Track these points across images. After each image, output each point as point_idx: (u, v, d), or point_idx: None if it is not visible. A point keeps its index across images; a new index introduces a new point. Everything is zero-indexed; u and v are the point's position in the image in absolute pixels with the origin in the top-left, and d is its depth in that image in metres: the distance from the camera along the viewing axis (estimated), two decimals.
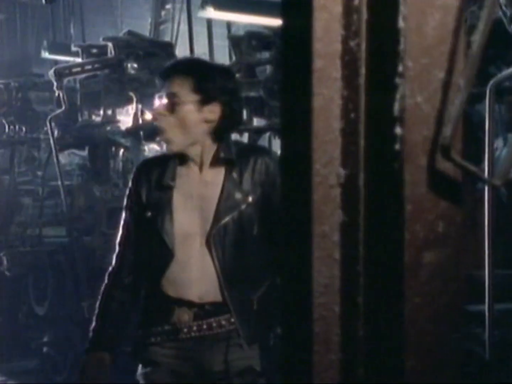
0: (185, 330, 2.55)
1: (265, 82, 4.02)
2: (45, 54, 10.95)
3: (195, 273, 2.54)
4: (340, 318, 1.18)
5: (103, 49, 5.68)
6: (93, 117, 6.10)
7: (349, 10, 1.14)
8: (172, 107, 2.52)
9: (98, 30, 13.95)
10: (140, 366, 2.64)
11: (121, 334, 2.70)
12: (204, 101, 2.51)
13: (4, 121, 7.66)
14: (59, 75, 5.38)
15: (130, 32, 5.68)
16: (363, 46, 1.14)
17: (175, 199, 2.59)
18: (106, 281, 2.74)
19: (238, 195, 2.55)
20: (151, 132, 5.74)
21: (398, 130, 1.12)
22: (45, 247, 6.26)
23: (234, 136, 4.60)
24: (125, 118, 6.11)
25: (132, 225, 2.67)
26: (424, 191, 1.15)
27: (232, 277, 2.53)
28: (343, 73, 1.15)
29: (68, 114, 5.65)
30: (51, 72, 5.52)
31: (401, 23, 1.11)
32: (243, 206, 2.55)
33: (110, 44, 5.42)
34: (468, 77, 1.12)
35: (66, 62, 11.75)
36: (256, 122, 4.43)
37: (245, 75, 4.25)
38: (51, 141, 5.71)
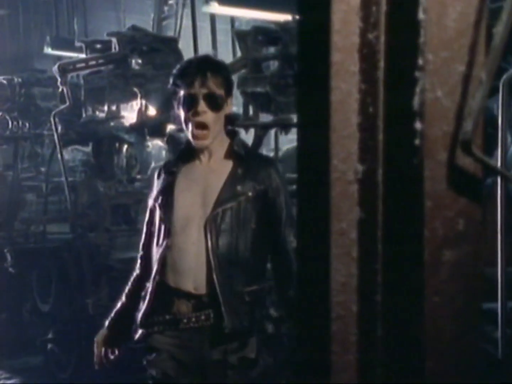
0: (185, 321, 2.66)
1: (272, 78, 3.98)
2: (48, 50, 10.96)
3: (191, 259, 2.64)
4: (358, 317, 1.15)
5: (107, 45, 5.65)
6: (97, 113, 6.07)
7: (367, 2, 1.11)
8: (211, 103, 2.65)
9: (100, 26, 13.92)
10: (144, 353, 2.76)
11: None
12: (227, 96, 2.70)
13: (7, 116, 7.65)
14: (63, 70, 5.35)
15: (134, 27, 5.65)
16: (382, 38, 1.11)
17: (178, 184, 2.73)
18: (131, 280, 2.92)
19: (239, 188, 2.67)
20: (156, 128, 5.72)
21: (417, 125, 1.10)
22: (49, 244, 6.24)
23: (241, 132, 4.60)
24: (129, 114, 6.09)
25: (150, 226, 2.81)
26: (444, 187, 1.12)
27: (224, 265, 2.63)
28: (361, 67, 1.12)
29: (72, 109, 5.61)
30: (55, 68, 5.49)
31: (421, 15, 1.08)
32: (242, 198, 2.67)
33: (114, 39, 5.39)
34: (489, 71, 1.09)
35: (69, 57, 11.80)
36: (262, 118, 4.39)
37: (251, 71, 4.21)
38: (55, 137, 5.69)
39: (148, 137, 6.01)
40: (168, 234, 2.67)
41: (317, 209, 1.12)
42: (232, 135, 2.78)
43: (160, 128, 5.77)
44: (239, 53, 10.30)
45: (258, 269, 2.75)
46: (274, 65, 4.31)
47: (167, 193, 2.73)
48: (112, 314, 2.98)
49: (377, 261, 1.15)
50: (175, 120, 4.14)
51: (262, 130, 4.08)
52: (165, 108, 5.63)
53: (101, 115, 5.93)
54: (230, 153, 2.73)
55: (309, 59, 1.12)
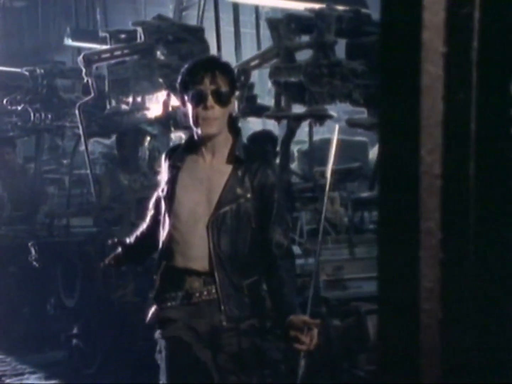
0: (197, 294, 2.93)
1: (306, 67, 3.86)
2: (68, 41, 10.84)
3: (198, 251, 2.90)
4: (444, 327, 1.04)
5: (131, 35, 5.54)
6: (121, 104, 5.95)
7: None
8: (221, 100, 2.87)
9: (120, 18, 13.84)
10: (158, 326, 2.99)
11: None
12: (231, 94, 2.95)
13: (29, 108, 7.56)
14: (88, 61, 5.24)
15: (159, 17, 5.53)
16: (476, 15, 0.99)
17: (182, 178, 2.96)
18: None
19: (239, 190, 2.91)
20: (180, 120, 5.61)
21: None
22: (73, 238, 6.16)
23: (273, 124, 4.50)
24: (154, 106, 5.98)
25: (154, 203, 3.14)
26: None
27: (224, 262, 2.89)
28: (452, 47, 1.00)
29: (95, 101, 5.51)
30: (79, 58, 5.39)
31: None
32: (242, 200, 2.91)
33: (139, 29, 5.28)
34: None
35: (89, 49, 11.71)
36: (295, 109, 4.26)
37: (284, 60, 4.09)
38: (80, 129, 5.59)
39: (172, 129, 5.90)
40: (173, 227, 2.93)
41: (402, 206, 1.01)
42: (235, 133, 3.00)
43: (186, 120, 5.66)
44: (264, 44, 10.19)
45: (257, 264, 2.97)
46: (306, 54, 4.19)
47: (171, 186, 2.97)
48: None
49: (467, 265, 1.03)
50: (182, 117, 4.30)
51: (295, 122, 3.97)
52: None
53: (126, 106, 5.82)
54: (232, 155, 2.93)
55: (394, 40, 1.01)
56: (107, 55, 5.31)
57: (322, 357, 3.40)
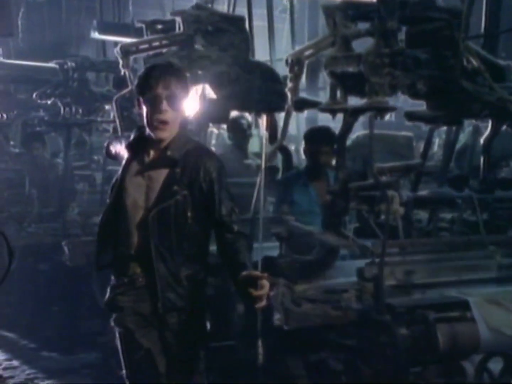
0: (140, 279, 3.21)
1: (367, 56, 3.61)
2: (95, 34, 10.62)
3: (139, 240, 3.18)
4: None
5: (168, 25, 5.30)
6: None
7: None
8: (174, 104, 3.14)
9: (145, 12, 13.63)
10: (111, 313, 3.33)
11: None
12: (184, 99, 3.21)
13: (59, 102, 7.37)
14: (125, 52, 5.01)
15: (198, 6, 5.28)
16: None
17: (129, 171, 3.24)
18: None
19: (176, 187, 3.14)
20: (219, 114, 5.38)
21: None
22: None
23: (327, 117, 4.24)
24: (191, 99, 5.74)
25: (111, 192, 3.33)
26: None
27: (162, 254, 3.13)
28: None
29: (129, 95, 5.29)
30: (117, 50, 5.15)
31: None
32: (179, 197, 3.13)
33: (178, 19, 5.03)
34: None
35: (116, 42, 11.48)
36: (351, 101, 4.01)
37: (340, 49, 3.84)
38: (117, 124, 5.37)
39: (210, 124, 5.66)
40: (123, 216, 3.22)
41: None
42: (182, 133, 3.26)
43: (223, 114, 5.42)
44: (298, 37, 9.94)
45: (197, 256, 3.21)
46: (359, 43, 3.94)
47: (121, 177, 3.26)
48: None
49: None
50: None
51: (352, 115, 3.72)
52: (230, 92, 5.29)
53: None
54: (168, 157, 3.18)
55: None
56: (145, 46, 5.06)
57: (388, 368, 3.17)
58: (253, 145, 6.97)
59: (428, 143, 5.28)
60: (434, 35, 3.73)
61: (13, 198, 8.09)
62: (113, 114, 5.96)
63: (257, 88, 5.23)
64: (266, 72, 5.37)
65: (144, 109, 3.15)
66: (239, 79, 5.22)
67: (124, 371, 3.28)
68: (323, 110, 3.99)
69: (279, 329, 3.52)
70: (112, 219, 3.27)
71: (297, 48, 5.01)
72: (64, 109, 7.30)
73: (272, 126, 5.57)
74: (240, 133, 6.45)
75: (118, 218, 3.24)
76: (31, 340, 7.02)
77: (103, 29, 10.50)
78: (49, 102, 7.56)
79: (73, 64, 7.26)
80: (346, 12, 3.85)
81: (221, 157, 6.41)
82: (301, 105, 5.08)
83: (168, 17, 5.56)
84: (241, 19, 5.33)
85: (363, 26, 3.96)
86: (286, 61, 4.21)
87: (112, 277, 3.32)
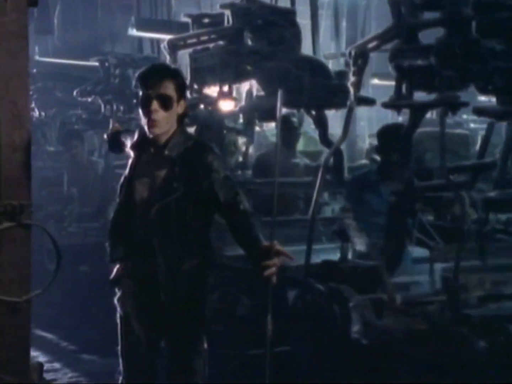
0: (143, 269, 3.33)
1: (439, 47, 3.37)
2: (133, 31, 10.47)
3: (144, 235, 3.30)
4: None
5: (216, 19, 5.12)
6: (204, 94, 5.51)
7: None
8: (164, 104, 3.22)
9: (181, 10, 13.46)
10: (117, 292, 3.47)
11: None
12: (179, 98, 3.28)
13: (99, 100, 7.22)
14: (173, 47, 4.84)
15: None
16: None
17: (137, 169, 3.37)
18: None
19: (175, 185, 3.24)
20: (268, 111, 5.17)
21: None
22: None
23: (392, 114, 4.02)
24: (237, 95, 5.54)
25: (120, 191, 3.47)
26: None
27: (163, 247, 3.26)
28: None
29: None
30: (164, 44, 4.99)
31: None
32: (178, 194, 3.23)
33: (227, 12, 4.84)
34: None
35: (152, 39, 11.33)
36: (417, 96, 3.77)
37: (407, 40, 3.61)
38: None
39: (257, 121, 5.47)
40: (132, 212, 3.35)
41: None
42: (181, 131, 3.34)
43: (272, 111, 5.21)
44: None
45: (197, 249, 3.33)
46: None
47: (129, 175, 3.39)
48: None
49: None
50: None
51: (419, 111, 3.49)
52: (280, 88, 5.08)
53: (210, 97, 5.39)
54: (167, 156, 3.28)
55: None
56: (193, 40, 4.90)
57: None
58: (300, 144, 6.75)
59: (487, 140, 5.03)
60: (509, 24, 3.49)
61: (51, 197, 7.99)
62: None
63: (307, 84, 5.02)
64: (317, 67, 5.17)
65: (140, 107, 3.29)
66: (289, 74, 5.01)
67: (119, 348, 3.51)
68: (388, 106, 3.76)
69: (356, 343, 3.29)
70: (122, 216, 3.42)
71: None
72: (104, 106, 7.14)
73: (322, 124, 5.38)
74: (290, 131, 6.20)
75: (128, 215, 3.39)
76: (72, 342, 6.87)
77: (141, 26, 10.35)
78: (89, 99, 7.42)
79: (114, 61, 7.11)
80: (412, 1, 3.62)
81: (266, 156, 6.30)
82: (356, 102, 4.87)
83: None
84: (291, 12, 5.12)
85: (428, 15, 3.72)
86: (350, 53, 3.98)
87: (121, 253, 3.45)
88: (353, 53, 3.94)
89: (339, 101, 5.11)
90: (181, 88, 3.31)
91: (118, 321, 3.54)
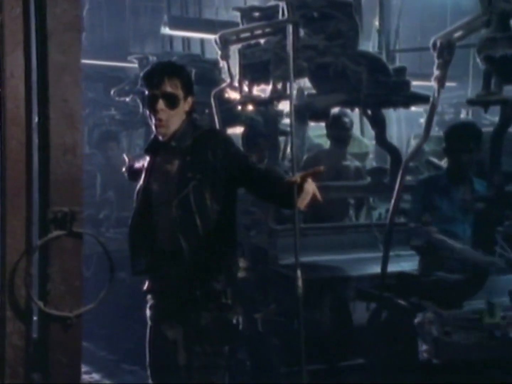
0: (170, 274, 3.34)
1: None
2: (166, 30, 10.24)
3: (168, 235, 3.31)
4: None
5: (267, 12, 4.82)
6: (255, 92, 5.21)
7: None
8: (171, 103, 3.24)
9: (211, 11, 13.24)
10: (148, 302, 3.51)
11: None
12: (185, 96, 3.29)
13: (138, 99, 6.94)
14: (225, 42, 4.55)
15: None
16: None
17: (152, 170, 3.39)
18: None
19: (189, 174, 3.24)
20: (320, 110, 4.87)
21: None
22: None
23: (476, 111, 3.70)
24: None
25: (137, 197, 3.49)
26: None
27: (190, 244, 3.24)
28: None
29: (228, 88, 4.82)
30: (215, 39, 4.70)
31: None
32: (194, 182, 3.22)
33: (282, 4, 4.54)
34: None
35: (184, 38, 11.10)
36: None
37: (497, 29, 3.29)
38: (216, 121, 4.91)
39: (308, 121, 5.15)
40: (151, 216, 3.35)
41: None
42: (187, 126, 3.32)
43: (325, 111, 4.91)
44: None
45: (222, 236, 3.30)
46: None
47: (144, 180, 3.41)
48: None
49: None
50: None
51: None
52: (333, 86, 4.78)
53: (262, 95, 5.10)
54: (176, 148, 3.29)
55: None
56: (247, 34, 4.61)
57: None
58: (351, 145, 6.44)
59: None
60: None
61: (85, 200, 7.72)
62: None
63: (364, 81, 4.71)
64: (374, 63, 4.85)
65: (146, 108, 3.32)
66: (345, 71, 4.71)
67: (147, 359, 3.44)
68: (475, 103, 3.44)
69: (427, 363, 2.98)
70: (142, 224, 3.40)
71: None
72: (143, 106, 6.86)
73: (379, 124, 5.07)
74: (341, 131, 5.90)
75: (147, 222, 3.36)
76: (110, 352, 6.64)
77: (174, 24, 10.11)
78: (127, 99, 7.16)
79: (155, 58, 6.83)
80: None
81: (316, 159, 6.00)
82: (411, 100, 4.57)
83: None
84: (349, 5, 4.80)
85: None
86: (434, 45, 3.64)
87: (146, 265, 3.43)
88: (438, 44, 3.59)
89: (397, 99, 4.81)
90: (187, 85, 3.30)
91: (148, 331, 3.49)
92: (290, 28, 4.27)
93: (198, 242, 3.23)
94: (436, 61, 3.64)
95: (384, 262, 3.76)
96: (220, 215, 3.27)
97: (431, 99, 3.68)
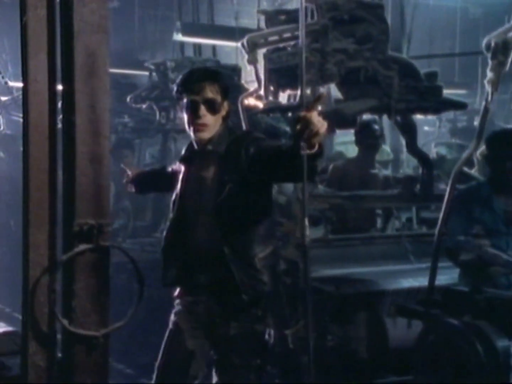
0: (197, 278, 3.32)
1: None
2: (178, 36, 10.12)
3: (207, 244, 3.25)
4: None
5: (293, 15, 4.63)
6: (280, 99, 5.03)
7: None
8: (212, 108, 3.24)
9: (221, 19, 13.15)
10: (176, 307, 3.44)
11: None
12: (223, 101, 3.30)
13: (154, 106, 6.77)
14: (253, 45, 4.39)
15: None
16: None
17: (188, 183, 3.35)
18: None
19: (226, 177, 3.21)
20: (348, 117, 4.68)
21: None
22: None
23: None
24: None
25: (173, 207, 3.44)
26: None
27: (234, 249, 3.19)
28: None
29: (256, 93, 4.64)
30: (243, 42, 4.53)
31: None
32: (231, 185, 3.19)
33: (312, 6, 4.36)
34: None
35: (196, 44, 10.98)
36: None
37: None
38: (243, 126, 4.72)
39: (336, 129, 4.98)
40: (187, 225, 3.29)
41: None
42: (223, 131, 3.31)
43: (353, 118, 4.72)
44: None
45: (261, 236, 3.25)
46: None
47: (180, 190, 3.36)
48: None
49: None
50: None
51: None
52: (362, 92, 4.60)
53: (289, 101, 4.92)
54: (212, 152, 3.27)
55: None
56: (275, 37, 4.43)
57: None
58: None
59: None
60: None
61: None
62: None
63: (395, 86, 4.53)
64: (405, 68, 4.67)
65: (184, 114, 3.28)
66: (376, 75, 4.53)
67: (158, 361, 3.38)
68: None
69: None
70: (177, 232, 3.34)
71: None
72: (160, 113, 6.69)
73: (410, 130, 4.89)
74: (370, 139, 5.70)
75: (183, 232, 3.31)
76: (128, 366, 6.45)
77: (186, 31, 9.99)
78: (143, 106, 6.99)
79: (173, 64, 6.66)
80: None
81: (342, 168, 5.83)
82: (443, 106, 4.39)
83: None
84: (380, 7, 4.62)
85: None
86: (488, 45, 3.43)
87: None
88: (492, 44, 3.37)
89: (429, 105, 4.63)
90: (224, 90, 3.31)
91: (167, 335, 3.45)
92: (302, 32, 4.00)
93: (237, 248, 3.20)
94: (490, 62, 3.42)
95: (432, 276, 3.55)
96: (256, 218, 3.26)
97: (483, 103, 3.48)
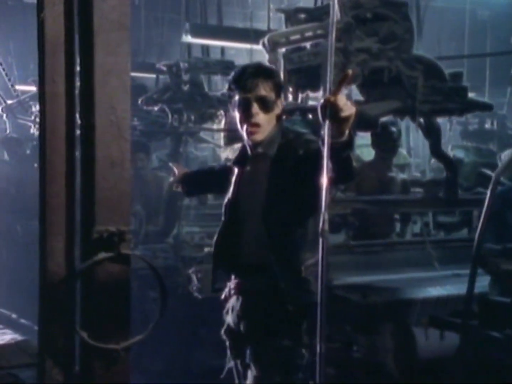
0: (244, 281, 3.23)
1: None
2: (187, 38, 9.98)
3: (257, 249, 3.15)
4: None
5: (314, 14, 4.50)
6: (300, 100, 4.88)
7: None
8: (265, 106, 3.10)
9: (230, 22, 13.04)
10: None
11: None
12: (276, 99, 3.16)
13: (166, 108, 6.62)
14: (274, 44, 4.24)
15: None
16: None
17: (240, 186, 3.25)
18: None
19: (278, 181, 3.09)
20: (370, 119, 4.53)
21: None
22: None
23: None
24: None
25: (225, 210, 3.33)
26: None
27: (277, 246, 3.08)
28: None
29: None
30: (264, 41, 4.39)
31: None
32: (283, 188, 3.07)
33: (334, 4, 4.21)
34: None
35: (204, 46, 10.88)
36: None
37: None
38: None
39: (357, 132, 4.82)
40: (239, 229, 3.19)
41: None
42: (277, 133, 3.16)
43: (376, 120, 4.58)
44: None
45: (309, 243, 3.02)
46: None
47: (233, 192, 3.26)
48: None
49: None
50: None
51: None
52: (385, 93, 4.45)
53: (310, 103, 4.78)
54: (264, 155, 3.15)
55: None
56: (297, 36, 4.29)
57: None
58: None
59: None
60: None
61: None
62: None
63: (420, 87, 4.38)
64: (430, 68, 4.52)
65: (236, 112, 3.16)
66: (400, 76, 4.38)
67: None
68: None
69: None
70: (228, 238, 3.24)
71: None
72: (172, 115, 6.55)
73: (434, 133, 4.73)
74: (388, 142, 5.54)
75: (233, 235, 3.21)
76: (141, 375, 6.29)
77: (196, 32, 9.85)
78: (155, 108, 6.85)
79: (186, 65, 6.52)
80: None
81: (361, 171, 5.66)
82: (469, 107, 4.24)
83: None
84: (404, 5, 4.48)
85: None
86: None
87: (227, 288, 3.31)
88: None
89: (454, 106, 4.48)
90: (278, 88, 3.19)
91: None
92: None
93: (284, 255, 3.09)
94: None
95: (471, 285, 3.39)
96: (304, 224, 3.11)
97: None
